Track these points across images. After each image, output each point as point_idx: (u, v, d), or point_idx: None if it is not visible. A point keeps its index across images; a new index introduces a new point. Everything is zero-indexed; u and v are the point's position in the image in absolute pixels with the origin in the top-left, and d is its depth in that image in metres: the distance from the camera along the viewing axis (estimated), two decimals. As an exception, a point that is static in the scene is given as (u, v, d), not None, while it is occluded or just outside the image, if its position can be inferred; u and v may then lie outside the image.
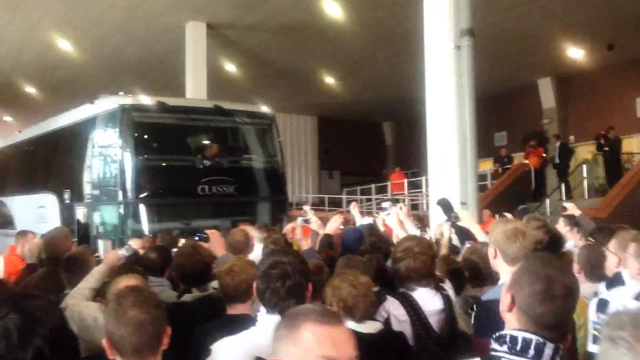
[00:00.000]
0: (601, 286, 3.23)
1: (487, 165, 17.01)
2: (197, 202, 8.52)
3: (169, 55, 15.18)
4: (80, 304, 3.24)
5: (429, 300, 3.10)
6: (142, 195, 8.14)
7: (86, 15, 13.23)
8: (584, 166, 14.78)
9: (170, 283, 4.05)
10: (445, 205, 5.05)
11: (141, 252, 4.80)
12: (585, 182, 14.61)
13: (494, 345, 1.75)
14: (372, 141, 24.90)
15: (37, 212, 9.98)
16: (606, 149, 14.59)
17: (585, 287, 3.14)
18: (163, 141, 8.90)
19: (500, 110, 19.25)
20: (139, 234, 7.41)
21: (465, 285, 3.73)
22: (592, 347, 2.73)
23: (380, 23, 13.53)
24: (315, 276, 3.06)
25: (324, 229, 5.00)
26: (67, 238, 4.82)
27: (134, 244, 5.18)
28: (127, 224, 8.07)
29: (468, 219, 4.51)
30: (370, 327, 2.71)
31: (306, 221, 5.24)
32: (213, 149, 8.87)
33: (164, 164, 8.61)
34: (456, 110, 8.70)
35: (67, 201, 9.12)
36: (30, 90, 19.43)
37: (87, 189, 8.66)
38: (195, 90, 13.87)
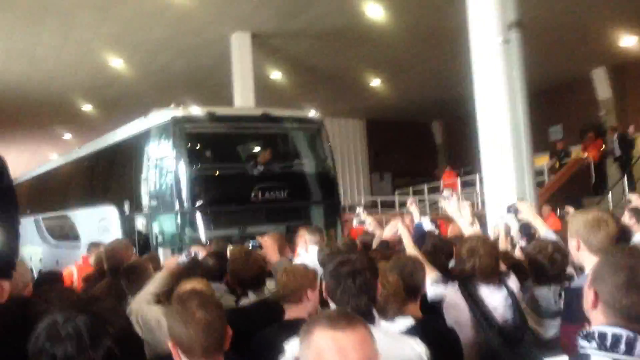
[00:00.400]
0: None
1: (543, 161, 16.55)
2: (251, 208, 8.61)
3: (216, 66, 15.46)
4: (143, 308, 3.34)
5: (493, 294, 3.06)
6: (197, 204, 8.30)
7: (134, 33, 13.64)
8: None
9: (227, 288, 4.12)
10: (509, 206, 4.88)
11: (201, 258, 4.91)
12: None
13: (582, 342, 1.68)
14: (422, 141, 24.66)
15: (100, 224, 10.31)
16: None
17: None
18: (215, 150, 9.05)
19: (554, 104, 18.70)
20: (196, 241, 7.56)
21: (526, 282, 3.62)
22: None
23: (423, 22, 13.40)
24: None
25: (380, 228, 4.96)
26: (128, 249, 4.98)
27: (198, 250, 5.31)
28: (185, 233, 8.24)
29: (528, 211, 4.36)
30: (401, 325, 2.69)
31: (361, 222, 5.22)
32: (265, 155, 8.96)
33: (217, 173, 8.75)
34: (508, 105, 8.50)
35: (127, 212, 9.38)
36: (87, 108, 20.15)
37: (145, 200, 8.89)
38: (243, 99, 14.07)
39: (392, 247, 4.79)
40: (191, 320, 1.95)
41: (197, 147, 8.90)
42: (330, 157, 9.77)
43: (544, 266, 3.44)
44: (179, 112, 8.81)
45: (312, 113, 10.05)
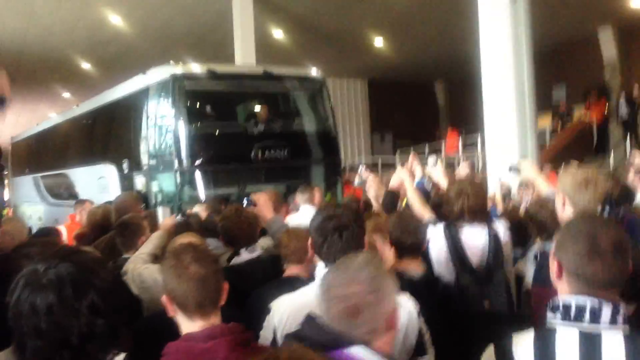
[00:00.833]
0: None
1: (546, 121, 16.40)
2: (251, 167, 8.56)
3: (217, 24, 15.20)
4: (139, 267, 3.32)
5: (475, 235, 3.13)
6: (197, 163, 8.24)
7: (134, -12, 13.38)
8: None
9: (222, 245, 4.09)
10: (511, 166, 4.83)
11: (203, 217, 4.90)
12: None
13: (549, 314, 1.66)
14: (424, 102, 24.41)
15: (98, 183, 10.29)
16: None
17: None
18: (215, 108, 8.94)
19: (558, 64, 18.41)
20: (195, 200, 7.54)
21: (531, 239, 3.64)
22: None
23: (429, -22, 13.11)
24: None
25: (382, 187, 4.91)
26: (137, 202, 4.94)
27: (200, 209, 5.28)
28: (184, 191, 8.21)
29: (530, 170, 4.29)
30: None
31: (361, 183, 5.16)
32: (265, 114, 8.86)
33: (217, 131, 8.67)
34: (513, 64, 8.39)
35: (126, 171, 9.34)
36: (86, 66, 19.92)
37: (144, 158, 8.84)
38: (244, 57, 13.87)
39: (400, 198, 4.71)
40: (185, 274, 1.91)
41: (197, 105, 8.79)
42: (332, 117, 9.68)
43: (545, 223, 3.45)
44: (178, 69, 8.68)
45: (314, 71, 9.90)
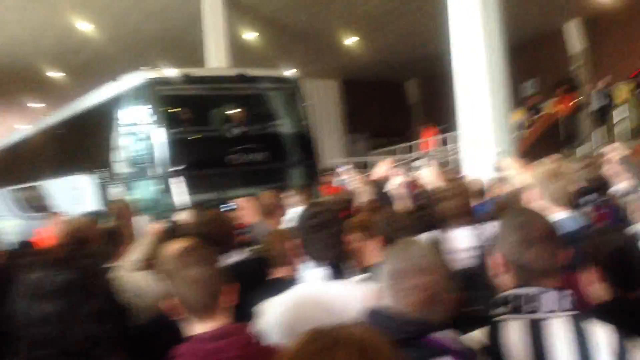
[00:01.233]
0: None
1: (516, 117, 16.59)
2: (228, 172, 8.50)
3: (187, 28, 15.05)
4: (130, 274, 3.27)
5: (463, 237, 3.13)
6: (172, 169, 8.15)
7: (102, -6, 13.19)
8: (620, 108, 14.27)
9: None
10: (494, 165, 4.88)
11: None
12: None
13: (496, 310, 1.73)
14: (397, 101, 24.53)
15: (72, 194, 10.12)
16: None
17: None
18: (189, 112, 8.85)
19: (526, 59, 18.62)
20: (174, 207, 7.45)
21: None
22: None
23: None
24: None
25: (364, 183, 4.91)
26: (129, 209, 4.87)
27: (182, 217, 5.22)
28: (161, 199, 8.11)
29: (512, 166, 4.36)
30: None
31: (342, 181, 5.16)
32: (241, 117, 8.82)
33: (192, 136, 8.59)
34: (485, 59, 8.48)
35: (101, 181, 9.20)
36: (55, 74, 19.57)
37: (118, 167, 8.72)
38: (216, 61, 13.80)
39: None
40: (188, 276, 1.91)
41: (170, 110, 8.68)
42: (308, 117, 9.67)
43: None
44: (151, 74, 8.58)
45: (288, 72, 9.89)
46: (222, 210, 4.72)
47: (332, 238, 2.24)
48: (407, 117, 24.69)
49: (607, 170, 4.58)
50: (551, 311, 1.65)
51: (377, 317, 1.62)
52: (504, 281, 1.77)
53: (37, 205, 12.20)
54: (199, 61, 14.29)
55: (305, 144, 9.48)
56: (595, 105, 15.02)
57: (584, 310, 1.73)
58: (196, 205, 6.75)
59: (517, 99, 17.03)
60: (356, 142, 24.20)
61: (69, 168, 10.73)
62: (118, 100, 8.84)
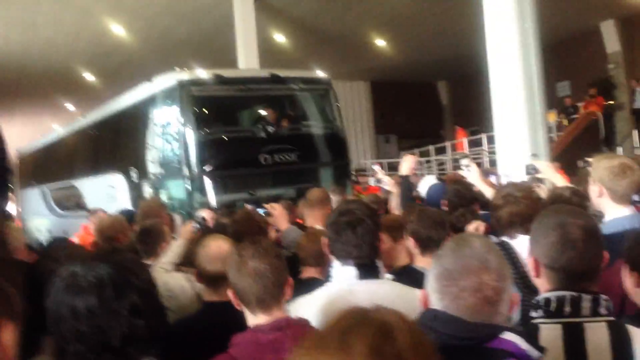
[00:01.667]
0: None
1: (551, 117, 16.33)
2: (260, 172, 8.53)
3: (218, 30, 15.18)
4: (164, 276, 3.29)
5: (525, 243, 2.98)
6: (205, 169, 8.20)
7: (134, -2, 13.38)
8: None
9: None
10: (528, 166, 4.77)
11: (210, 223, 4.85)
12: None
13: (532, 313, 1.65)
14: (427, 102, 24.38)
15: (107, 193, 10.26)
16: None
17: None
18: (222, 113, 8.93)
19: (561, 59, 18.32)
20: (205, 206, 7.49)
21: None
22: None
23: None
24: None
25: (396, 187, 4.86)
26: (162, 208, 4.92)
27: (205, 214, 5.24)
28: (194, 198, 8.16)
29: (547, 169, 4.26)
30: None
31: (378, 181, 5.11)
32: (273, 117, 8.83)
33: (225, 136, 8.63)
34: (521, 59, 8.33)
35: (135, 180, 9.31)
36: (89, 76, 19.92)
37: (152, 166, 8.81)
38: (247, 63, 13.85)
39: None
40: (244, 270, 1.94)
41: (204, 111, 8.76)
42: (339, 118, 9.64)
43: None
44: (184, 75, 8.66)
45: (320, 73, 9.88)
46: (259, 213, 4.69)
47: (362, 237, 2.17)
48: (439, 119, 24.51)
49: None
50: (588, 316, 1.58)
51: (436, 320, 1.48)
52: (540, 284, 1.70)
53: (71, 204, 12.43)
54: (229, 63, 14.38)
55: (337, 144, 9.47)
56: (638, 104, 14.71)
57: (625, 315, 1.66)
58: (229, 205, 6.79)
59: (553, 100, 16.78)
60: (387, 143, 24.13)
61: (102, 167, 10.89)
62: (152, 100, 8.93)
